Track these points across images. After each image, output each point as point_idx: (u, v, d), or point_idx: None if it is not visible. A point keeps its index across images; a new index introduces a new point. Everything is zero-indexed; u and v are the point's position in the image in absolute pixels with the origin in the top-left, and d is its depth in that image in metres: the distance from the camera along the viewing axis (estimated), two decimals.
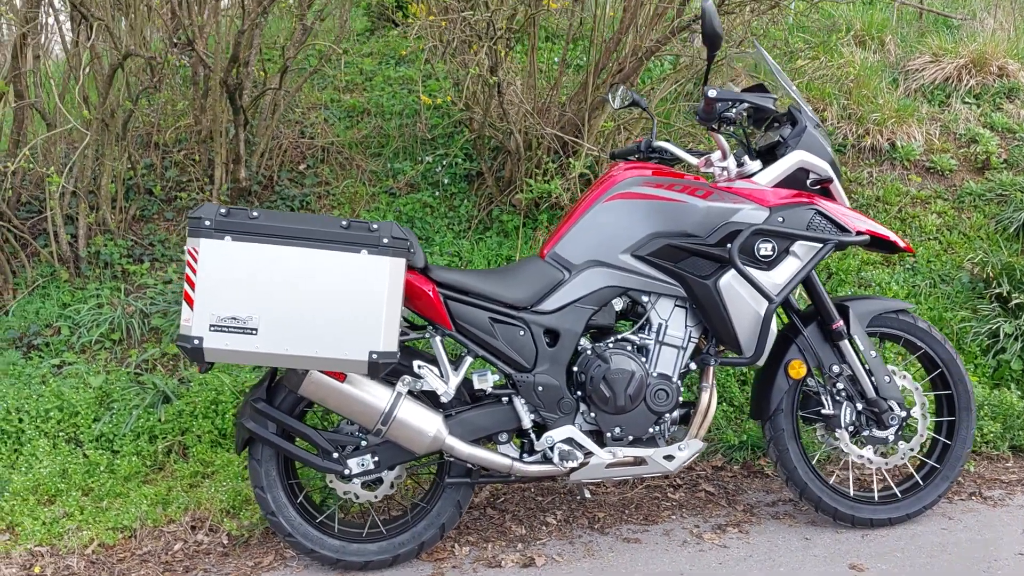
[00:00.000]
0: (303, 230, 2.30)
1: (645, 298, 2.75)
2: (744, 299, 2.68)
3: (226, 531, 3.04)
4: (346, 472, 2.64)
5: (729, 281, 2.68)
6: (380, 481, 2.75)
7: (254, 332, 2.28)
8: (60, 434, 3.60)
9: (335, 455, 2.64)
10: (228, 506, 3.16)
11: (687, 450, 2.79)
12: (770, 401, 2.88)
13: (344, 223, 2.33)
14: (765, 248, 2.67)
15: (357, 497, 2.76)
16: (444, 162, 5.12)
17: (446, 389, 2.62)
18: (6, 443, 3.53)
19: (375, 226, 2.34)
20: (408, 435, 2.59)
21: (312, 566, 2.80)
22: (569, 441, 2.71)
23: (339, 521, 2.80)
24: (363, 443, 2.68)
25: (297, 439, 2.73)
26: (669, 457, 2.78)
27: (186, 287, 2.29)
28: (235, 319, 2.27)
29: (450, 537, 2.92)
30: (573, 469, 2.69)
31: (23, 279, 4.41)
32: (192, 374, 3.92)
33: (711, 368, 2.83)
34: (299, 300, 2.29)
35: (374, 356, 2.32)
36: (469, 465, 2.72)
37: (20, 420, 3.60)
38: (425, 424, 2.59)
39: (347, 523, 2.85)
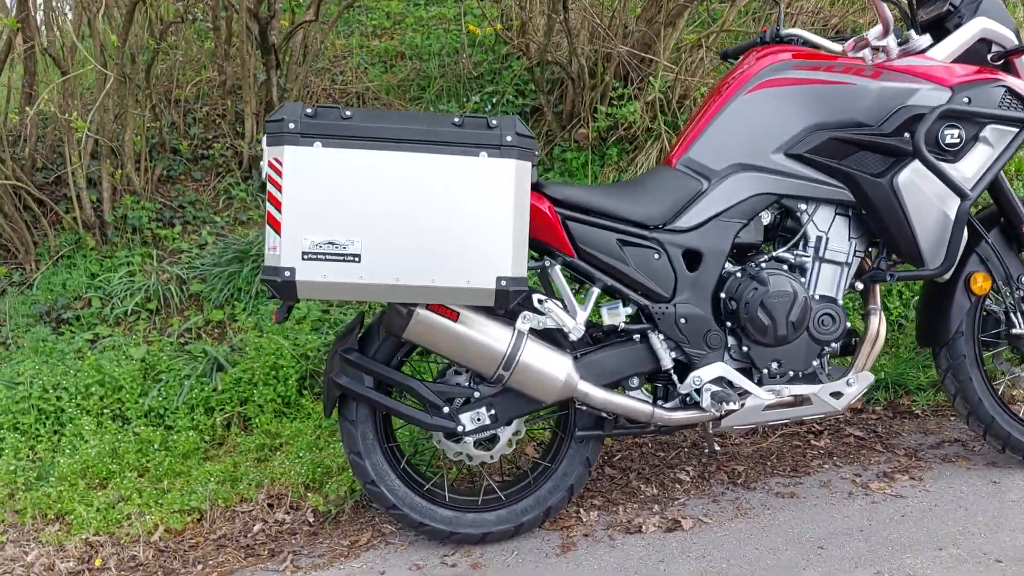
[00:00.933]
0: (408, 130, 1.86)
1: (803, 206, 2.30)
2: (928, 198, 2.23)
3: (311, 507, 2.63)
4: (459, 428, 2.22)
5: (910, 177, 2.22)
6: (496, 439, 2.33)
7: (356, 259, 1.85)
8: (104, 411, 3.19)
9: (445, 410, 2.21)
10: (308, 479, 2.75)
11: (856, 385, 2.35)
12: (948, 323, 2.44)
13: (457, 120, 1.89)
14: (951, 135, 2.21)
15: (470, 458, 2.34)
16: (494, 100, 4.66)
17: (575, 325, 2.19)
18: (45, 424, 3.12)
19: (495, 122, 1.90)
20: (535, 381, 2.16)
21: (417, 542, 2.39)
22: (720, 381, 2.28)
23: (449, 488, 2.38)
24: (476, 394, 2.25)
25: (395, 393, 2.31)
26: (837, 394, 2.35)
27: (269, 208, 1.85)
28: (333, 244, 1.84)
29: (573, 502, 2.50)
30: (729, 412, 2.26)
31: (46, 249, 3.99)
32: (245, 339, 3.50)
33: (877, 288, 2.39)
34: (408, 217, 1.85)
35: (503, 283, 1.88)
36: (603, 414, 2.29)
37: (58, 398, 3.19)
38: (554, 367, 2.16)
39: (458, 490, 2.43)
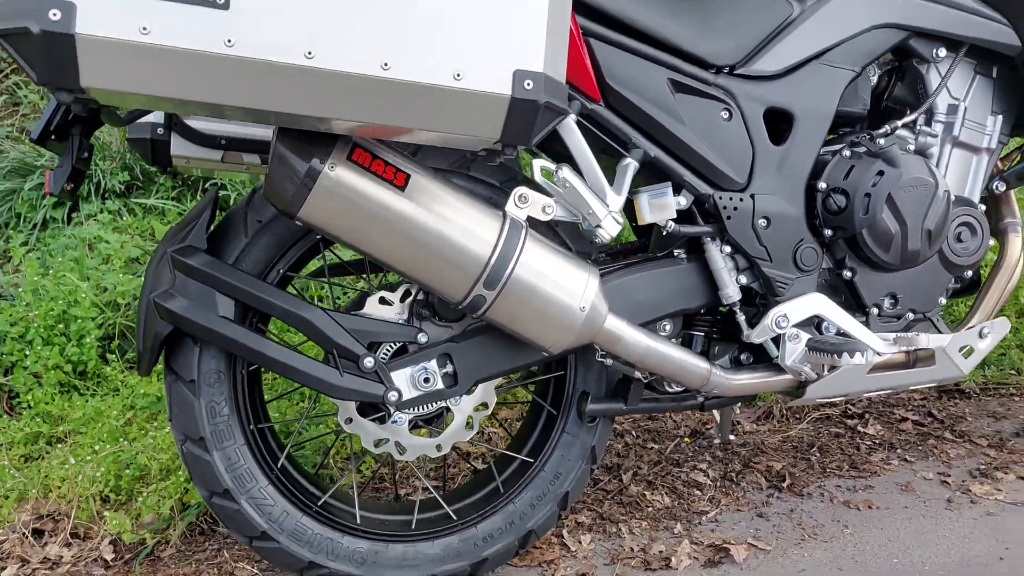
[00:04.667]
0: None
1: (941, 53, 1.48)
2: None
3: (109, 535, 1.55)
4: (392, 396, 1.24)
5: None
6: (445, 416, 1.36)
7: (220, 1, 0.84)
8: None
9: (368, 362, 1.22)
10: (107, 489, 1.67)
11: (992, 335, 1.56)
12: None
13: None
14: None
15: (402, 450, 1.36)
16: None
17: (607, 213, 1.25)
18: None
19: None
20: (539, 311, 1.20)
21: None
22: (815, 323, 1.42)
23: (360, 502, 1.38)
24: (421, 337, 1.28)
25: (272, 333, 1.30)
26: (967, 352, 1.54)
27: None
28: None
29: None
30: (832, 369, 1.40)
31: None
32: (21, 280, 2.35)
33: (1012, 195, 1.61)
34: None
35: (527, 85, 0.93)
36: (634, 375, 1.38)
37: None
38: (573, 287, 1.21)
39: (375, 505, 1.43)
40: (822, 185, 1.42)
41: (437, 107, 0.92)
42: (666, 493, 1.74)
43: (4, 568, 1.48)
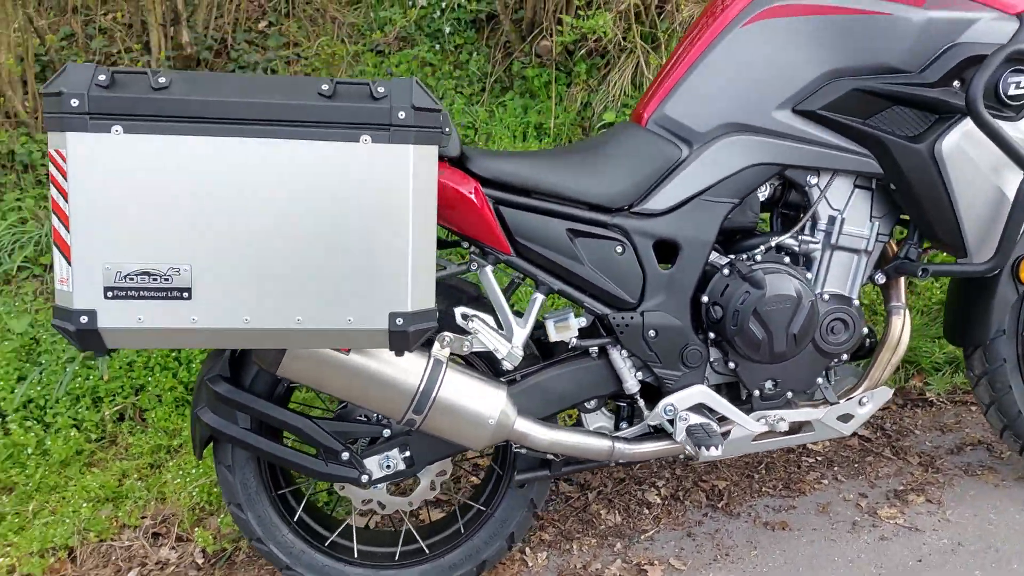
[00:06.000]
0: (254, 106, 1.27)
1: (813, 179, 1.75)
2: (980, 170, 1.69)
3: (199, 544, 2.15)
4: (364, 479, 1.72)
5: (957, 143, 1.67)
6: (416, 481, 1.85)
7: (185, 295, 1.29)
8: None
9: (344, 455, 1.71)
10: (202, 501, 2.27)
11: (870, 403, 1.87)
12: (987, 319, 1.94)
13: (326, 87, 1.30)
14: (1015, 84, 1.64)
15: (383, 507, 1.86)
16: (443, 5, 3.97)
17: (510, 349, 1.66)
18: None
19: (381, 89, 1.31)
20: (457, 426, 1.65)
21: None
22: (700, 409, 1.78)
23: (359, 538, 1.90)
24: (386, 432, 1.75)
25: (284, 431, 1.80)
26: (846, 417, 1.86)
27: (55, 221, 1.28)
28: (149, 275, 1.28)
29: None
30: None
31: None
32: None
33: (902, 282, 1.87)
34: (259, 233, 1.29)
35: (399, 322, 1.34)
36: (549, 456, 1.80)
37: None
38: (483, 406, 1.65)
39: (371, 539, 1.95)
40: (705, 298, 1.75)
41: (341, 339, 1.36)
42: (620, 511, 2.17)
43: (133, 572, 2.11)
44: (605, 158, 1.74)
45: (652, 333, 1.73)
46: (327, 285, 1.31)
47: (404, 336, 1.35)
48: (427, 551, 1.89)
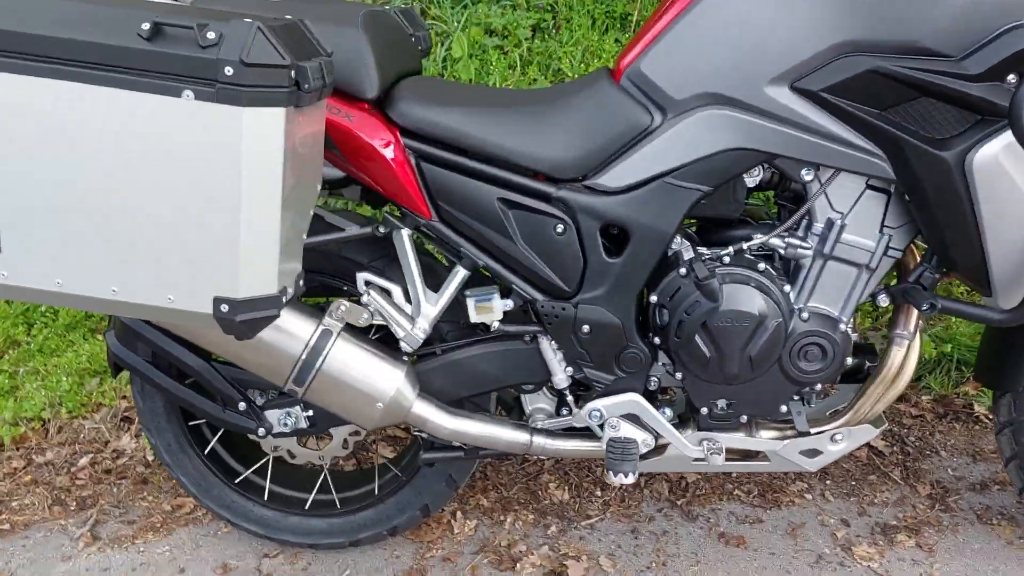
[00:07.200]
0: (63, 42, 1.08)
1: (808, 175, 1.40)
2: (1021, 193, 1.30)
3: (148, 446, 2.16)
4: (261, 431, 1.62)
5: (996, 157, 1.28)
6: (329, 435, 1.73)
7: None
8: None
9: (241, 405, 1.60)
10: None
11: (845, 442, 1.57)
12: (1022, 364, 1.57)
13: (146, 26, 1.08)
14: None
15: (293, 456, 1.77)
16: None
17: (409, 331, 1.47)
18: None
19: (211, 35, 1.08)
20: (343, 402, 1.50)
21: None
22: (631, 419, 1.54)
23: (273, 478, 1.82)
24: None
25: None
26: (812, 453, 1.58)
27: None
28: None
29: (459, 496, 1.93)
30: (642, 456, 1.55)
31: None
32: None
33: (914, 312, 1.51)
34: (71, 187, 1.14)
35: (223, 308, 1.17)
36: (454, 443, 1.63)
37: None
38: (372, 385, 1.48)
39: (286, 480, 1.86)
40: (653, 298, 1.48)
41: (164, 316, 1.22)
42: (570, 488, 2.00)
43: (84, 459, 2.14)
44: (562, 115, 1.45)
45: (585, 328, 1.49)
46: (145, 257, 1.16)
47: (232, 325, 1.18)
48: (338, 505, 1.80)
